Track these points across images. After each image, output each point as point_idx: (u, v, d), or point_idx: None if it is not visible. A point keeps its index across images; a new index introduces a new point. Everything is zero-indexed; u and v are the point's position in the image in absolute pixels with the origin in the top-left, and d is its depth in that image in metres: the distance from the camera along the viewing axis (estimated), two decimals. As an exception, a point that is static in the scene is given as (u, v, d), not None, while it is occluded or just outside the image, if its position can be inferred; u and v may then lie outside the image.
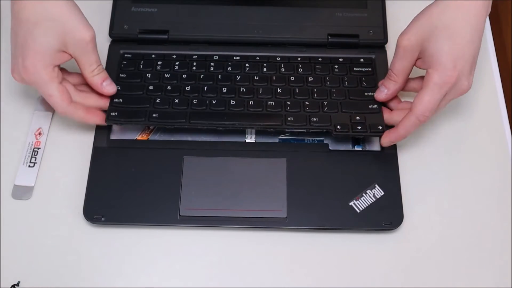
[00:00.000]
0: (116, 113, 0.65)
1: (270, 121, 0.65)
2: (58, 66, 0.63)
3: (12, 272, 0.60)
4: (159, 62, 0.69)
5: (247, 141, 0.67)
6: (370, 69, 0.69)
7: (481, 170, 0.67)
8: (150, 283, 0.60)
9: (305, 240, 0.62)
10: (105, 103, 0.66)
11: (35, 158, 0.66)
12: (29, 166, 0.66)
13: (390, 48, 0.71)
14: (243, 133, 0.67)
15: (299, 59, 0.70)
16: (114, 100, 0.66)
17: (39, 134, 0.68)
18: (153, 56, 0.69)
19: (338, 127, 0.64)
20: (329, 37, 0.71)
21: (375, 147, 0.66)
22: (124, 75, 0.68)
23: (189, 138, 0.67)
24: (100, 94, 0.66)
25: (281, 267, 0.61)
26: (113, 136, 0.67)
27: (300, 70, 0.69)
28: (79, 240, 0.62)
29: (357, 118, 0.65)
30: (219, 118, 0.65)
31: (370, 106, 0.66)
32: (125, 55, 0.70)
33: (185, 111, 0.65)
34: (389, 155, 0.65)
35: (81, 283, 0.60)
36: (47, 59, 0.61)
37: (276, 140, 0.67)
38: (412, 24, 0.62)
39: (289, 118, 0.65)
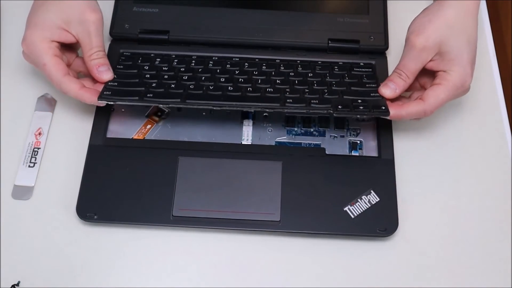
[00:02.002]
0: (110, 92, 0.62)
1: (268, 103, 0.62)
2: (58, 43, 0.62)
3: (12, 272, 0.60)
4: (158, 59, 0.67)
5: (243, 143, 0.65)
6: (370, 69, 0.67)
7: (480, 174, 0.65)
8: (140, 282, 0.60)
9: (297, 244, 0.61)
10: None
11: (35, 158, 0.65)
12: (29, 166, 0.65)
13: (391, 55, 0.69)
14: (239, 133, 0.65)
15: (298, 61, 0.68)
16: (109, 83, 0.63)
17: (39, 134, 0.66)
18: (152, 55, 0.68)
19: (339, 107, 0.61)
20: (329, 42, 0.69)
21: (372, 152, 0.65)
22: (121, 67, 0.66)
23: (185, 138, 0.65)
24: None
25: (273, 271, 0.60)
26: (109, 135, 0.66)
27: (300, 69, 0.67)
28: (79, 240, 0.61)
29: (359, 101, 0.62)
30: (216, 99, 0.62)
31: (372, 94, 0.63)
32: (124, 53, 0.68)
33: (181, 93, 0.63)
34: (386, 160, 0.63)
35: (82, 283, 0.59)
36: (46, 33, 0.61)
37: (273, 142, 0.66)
38: (427, 26, 0.61)
39: (288, 100, 0.62)
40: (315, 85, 0.64)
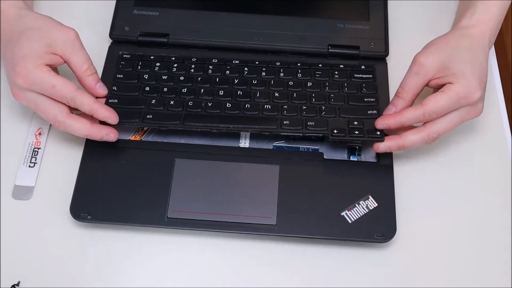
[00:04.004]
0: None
1: (265, 125, 0.62)
2: (51, 67, 0.60)
3: (12, 272, 0.59)
4: (157, 64, 0.66)
5: (240, 146, 0.64)
6: (371, 75, 0.66)
7: (479, 178, 0.64)
8: (134, 283, 0.59)
9: (293, 248, 0.60)
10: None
11: (35, 158, 0.64)
12: (29, 166, 0.64)
13: (391, 61, 0.68)
14: (237, 137, 0.64)
15: (299, 64, 0.67)
16: (110, 101, 0.63)
17: (39, 134, 0.65)
18: (152, 57, 0.67)
19: (335, 131, 0.61)
20: (329, 48, 0.68)
21: (371, 158, 0.63)
22: (121, 76, 0.65)
23: (182, 140, 0.64)
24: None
25: (268, 275, 0.59)
26: (106, 136, 0.64)
27: (300, 75, 0.66)
28: (79, 241, 0.60)
29: (355, 123, 0.62)
30: (214, 120, 0.62)
31: (369, 112, 0.63)
32: (124, 55, 0.67)
33: (179, 112, 0.63)
34: (385, 166, 0.62)
35: (80, 283, 0.59)
36: (37, 60, 0.59)
37: (270, 146, 0.64)
38: (429, 46, 0.61)
39: (285, 122, 0.62)
40: (313, 98, 0.64)
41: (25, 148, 0.64)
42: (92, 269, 0.59)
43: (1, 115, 0.66)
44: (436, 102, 0.59)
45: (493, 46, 0.72)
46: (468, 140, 0.66)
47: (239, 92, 0.64)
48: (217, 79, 0.65)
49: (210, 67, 0.66)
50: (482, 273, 0.59)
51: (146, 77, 0.65)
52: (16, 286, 0.58)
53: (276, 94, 0.64)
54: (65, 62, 0.62)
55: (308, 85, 0.65)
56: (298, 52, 0.68)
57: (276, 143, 0.64)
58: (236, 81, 0.65)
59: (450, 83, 0.59)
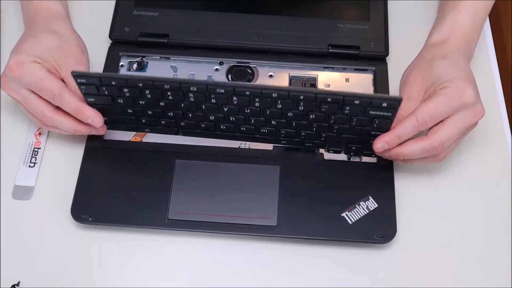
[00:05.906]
0: (109, 126, 0.62)
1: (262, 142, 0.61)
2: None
3: (12, 272, 0.58)
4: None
5: (241, 147, 0.63)
6: (390, 114, 0.55)
7: (480, 178, 0.63)
8: (135, 284, 0.58)
9: (294, 249, 0.59)
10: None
11: (35, 158, 0.63)
12: (29, 166, 0.63)
13: (391, 61, 0.67)
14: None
15: (301, 97, 0.54)
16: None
17: (39, 134, 0.65)
18: (113, 83, 0.55)
19: (331, 151, 0.61)
20: (329, 48, 0.66)
21: (371, 158, 0.62)
22: (92, 99, 0.58)
23: (182, 141, 0.63)
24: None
25: (268, 276, 0.58)
26: (106, 137, 0.64)
27: (301, 108, 0.56)
28: (78, 241, 0.60)
29: (353, 148, 0.60)
30: (210, 135, 0.61)
31: (370, 141, 0.58)
32: (79, 80, 0.55)
33: (175, 128, 0.61)
34: (385, 167, 0.61)
35: (80, 284, 0.58)
36: (38, 60, 0.58)
37: (271, 147, 0.63)
38: (406, 78, 0.61)
39: (282, 142, 0.61)
40: (314, 129, 0.58)
41: (25, 148, 0.64)
42: (92, 270, 0.58)
43: (1, 115, 0.65)
44: (426, 105, 0.56)
45: (493, 46, 0.71)
46: (467, 140, 0.64)
47: (231, 118, 0.58)
48: (203, 106, 0.57)
49: (191, 95, 0.56)
50: (482, 273, 0.59)
51: (121, 102, 0.58)
52: (16, 286, 0.57)
53: (273, 123, 0.58)
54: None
55: (311, 117, 0.57)
56: (298, 52, 0.67)
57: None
58: (225, 109, 0.57)
59: (440, 89, 0.58)
